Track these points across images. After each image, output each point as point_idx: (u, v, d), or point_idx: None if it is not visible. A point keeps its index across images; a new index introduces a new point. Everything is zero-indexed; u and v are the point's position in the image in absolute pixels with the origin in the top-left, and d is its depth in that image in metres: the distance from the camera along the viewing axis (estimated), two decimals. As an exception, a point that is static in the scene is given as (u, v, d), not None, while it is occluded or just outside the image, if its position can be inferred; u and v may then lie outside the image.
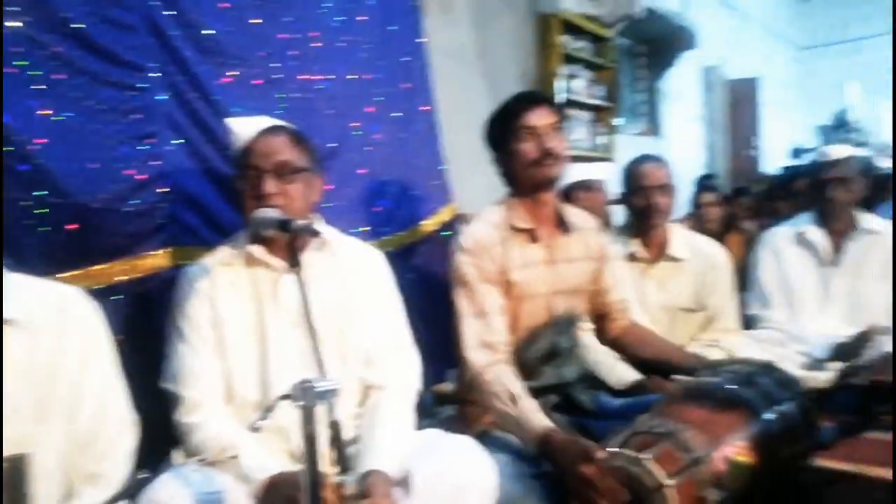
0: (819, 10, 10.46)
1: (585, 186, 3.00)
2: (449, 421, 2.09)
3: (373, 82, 2.26)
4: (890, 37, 9.77)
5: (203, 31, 1.74)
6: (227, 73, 1.80)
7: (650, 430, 1.26)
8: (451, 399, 2.15)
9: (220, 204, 1.75)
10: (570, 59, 4.84)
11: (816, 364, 2.45)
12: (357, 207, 2.18)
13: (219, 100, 1.75)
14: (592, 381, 2.11)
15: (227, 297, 1.46)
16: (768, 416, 1.28)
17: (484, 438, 1.59)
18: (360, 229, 2.12)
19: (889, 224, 2.62)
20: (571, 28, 4.81)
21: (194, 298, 1.44)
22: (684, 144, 7.28)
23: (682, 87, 7.28)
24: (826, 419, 1.36)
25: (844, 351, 2.42)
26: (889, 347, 2.39)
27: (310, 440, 1.02)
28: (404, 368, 1.59)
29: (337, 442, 1.07)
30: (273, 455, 1.37)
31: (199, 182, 1.72)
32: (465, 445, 1.41)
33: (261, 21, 1.88)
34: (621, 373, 2.22)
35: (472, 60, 3.92)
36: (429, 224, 2.44)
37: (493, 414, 1.65)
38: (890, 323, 2.54)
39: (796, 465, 1.33)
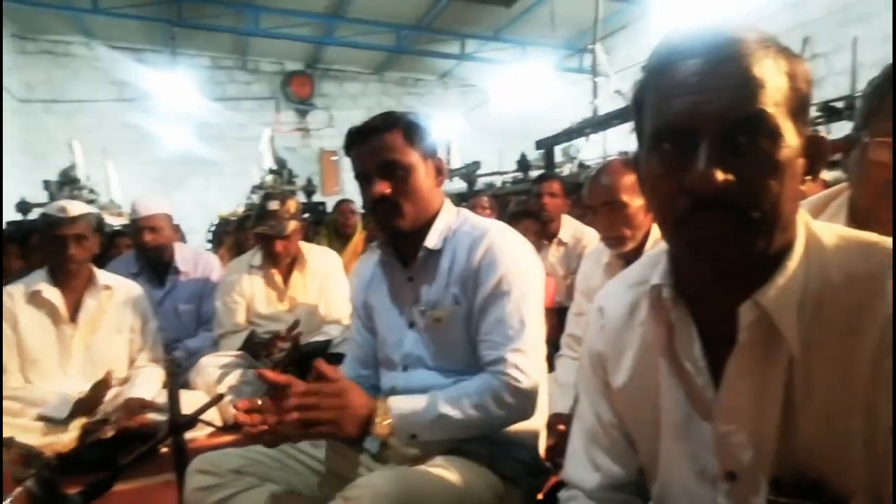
0: (40, 67, 10.40)
1: None
2: None
3: None
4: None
5: None
6: None
7: None
8: None
9: None
10: None
11: (57, 427, 2.39)
12: None
13: None
14: None
15: None
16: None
17: None
18: None
19: (120, 279, 2.78)
20: None
21: None
22: None
23: None
24: (74, 483, 1.31)
25: (83, 406, 2.43)
26: (131, 394, 2.53)
27: None
28: None
29: None
30: None
31: None
32: None
33: None
34: None
35: None
36: None
37: None
38: (125, 373, 2.70)
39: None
